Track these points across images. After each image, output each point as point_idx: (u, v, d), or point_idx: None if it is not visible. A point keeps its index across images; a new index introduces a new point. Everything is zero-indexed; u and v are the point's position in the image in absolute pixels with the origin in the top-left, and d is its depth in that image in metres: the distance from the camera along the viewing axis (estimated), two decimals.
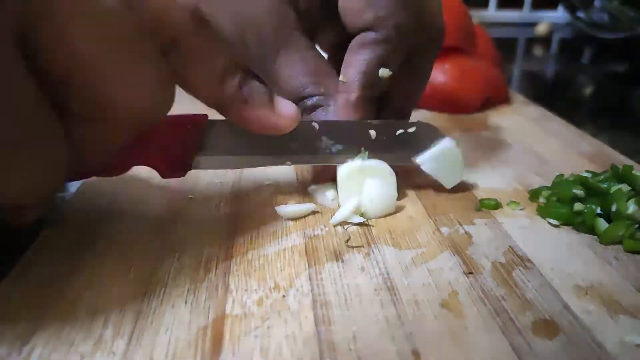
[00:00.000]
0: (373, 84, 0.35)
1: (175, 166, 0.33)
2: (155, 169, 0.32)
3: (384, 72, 0.34)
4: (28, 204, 0.25)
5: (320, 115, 0.35)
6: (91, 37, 0.22)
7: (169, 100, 0.26)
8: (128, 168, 0.32)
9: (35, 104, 0.21)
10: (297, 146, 0.34)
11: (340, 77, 0.35)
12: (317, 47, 0.38)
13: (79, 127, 0.24)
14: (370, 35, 0.34)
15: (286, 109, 0.31)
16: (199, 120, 0.32)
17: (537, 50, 1.13)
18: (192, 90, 0.29)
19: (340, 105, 0.35)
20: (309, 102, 0.35)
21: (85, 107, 0.23)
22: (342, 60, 0.35)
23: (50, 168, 0.23)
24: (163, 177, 0.33)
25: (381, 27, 0.33)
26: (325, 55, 0.39)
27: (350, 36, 0.35)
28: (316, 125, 0.34)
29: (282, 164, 0.34)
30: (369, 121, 0.35)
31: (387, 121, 0.35)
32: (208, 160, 0.33)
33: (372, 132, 0.34)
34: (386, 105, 0.38)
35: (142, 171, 0.39)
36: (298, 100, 0.35)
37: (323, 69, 0.36)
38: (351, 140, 0.34)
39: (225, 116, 0.31)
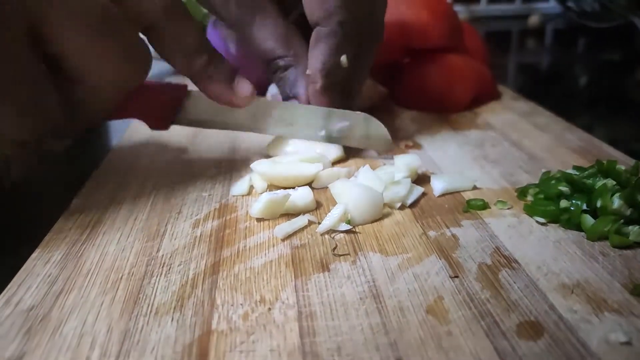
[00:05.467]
0: (332, 72, 0.41)
1: (160, 121, 0.42)
2: (144, 121, 0.42)
3: (344, 59, 0.40)
4: (28, 139, 0.32)
5: (292, 75, 0.42)
6: (80, 26, 0.31)
7: (141, 71, 0.35)
8: (121, 117, 0.44)
9: (36, 71, 0.30)
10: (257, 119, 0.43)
11: (307, 71, 0.41)
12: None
13: (73, 87, 0.33)
14: (322, 30, 0.40)
15: (242, 89, 0.39)
16: (179, 88, 0.42)
17: (531, 42, 1.12)
18: (169, 63, 0.38)
19: (310, 94, 0.42)
20: (281, 62, 0.42)
21: (78, 75, 0.32)
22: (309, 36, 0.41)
23: (43, 112, 0.31)
24: (151, 128, 0.43)
25: (328, 23, 0.39)
26: None
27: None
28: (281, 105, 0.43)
29: (249, 131, 0.43)
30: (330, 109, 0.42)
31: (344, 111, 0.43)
32: (187, 119, 0.43)
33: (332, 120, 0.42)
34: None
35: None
36: (270, 60, 0.43)
37: (291, 34, 0.42)
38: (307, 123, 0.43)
39: (196, 87, 0.39)
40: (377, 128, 0.42)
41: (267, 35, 0.41)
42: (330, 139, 0.43)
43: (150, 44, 0.36)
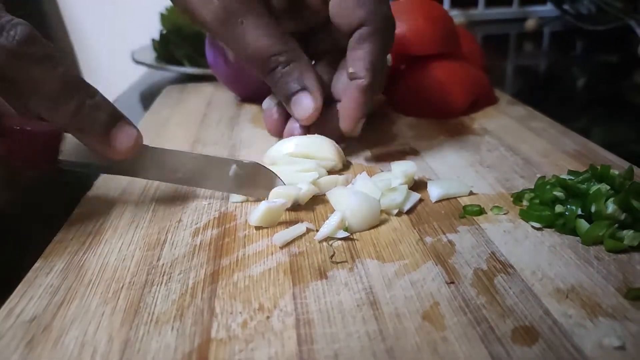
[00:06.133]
0: (379, 70, 0.41)
1: (40, 164, 0.36)
2: (23, 167, 0.37)
3: (389, 58, 0.40)
4: None
5: (295, 68, 0.41)
6: None
7: None
8: None
9: None
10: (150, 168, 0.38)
11: (350, 70, 0.41)
12: None
13: None
14: (365, 30, 0.40)
15: (122, 139, 0.34)
16: (52, 132, 0.35)
17: (528, 46, 1.13)
18: (34, 112, 0.32)
19: (350, 92, 0.41)
20: (281, 58, 0.41)
21: None
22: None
23: None
24: (35, 170, 0.39)
25: (372, 20, 0.39)
26: None
27: (342, 35, 0.41)
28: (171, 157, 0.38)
29: (138, 176, 0.38)
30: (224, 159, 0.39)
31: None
32: (68, 163, 0.36)
33: (233, 168, 0.38)
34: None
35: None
36: (267, 58, 0.41)
37: (286, 34, 0.42)
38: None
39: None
40: (267, 175, 0.38)
41: (260, 34, 0.40)
42: (219, 188, 0.39)
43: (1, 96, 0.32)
